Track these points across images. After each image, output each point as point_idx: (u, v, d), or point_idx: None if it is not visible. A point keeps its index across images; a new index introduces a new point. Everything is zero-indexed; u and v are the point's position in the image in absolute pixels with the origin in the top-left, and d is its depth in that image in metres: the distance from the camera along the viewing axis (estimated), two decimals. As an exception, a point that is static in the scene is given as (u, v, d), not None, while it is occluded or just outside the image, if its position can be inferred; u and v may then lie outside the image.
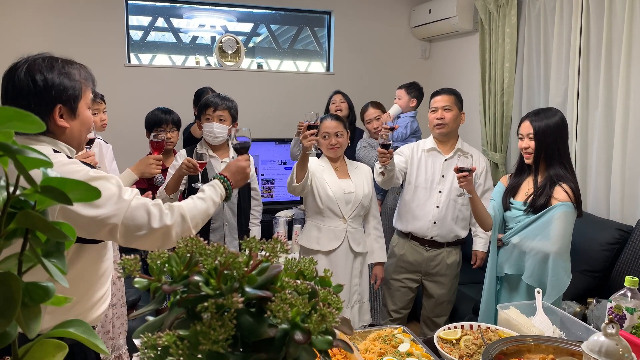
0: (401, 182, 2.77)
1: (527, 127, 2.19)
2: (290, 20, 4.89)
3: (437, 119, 2.65)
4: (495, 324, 2.16)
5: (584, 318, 2.39)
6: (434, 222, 2.69)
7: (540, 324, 1.68)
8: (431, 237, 2.72)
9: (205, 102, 2.63)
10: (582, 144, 3.29)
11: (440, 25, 4.42)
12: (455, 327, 1.68)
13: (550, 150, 2.15)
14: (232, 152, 2.70)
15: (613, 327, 0.91)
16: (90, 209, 1.25)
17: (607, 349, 0.86)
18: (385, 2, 4.83)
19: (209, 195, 1.58)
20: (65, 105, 1.34)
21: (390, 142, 2.36)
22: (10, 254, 0.50)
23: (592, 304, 2.46)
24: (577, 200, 2.10)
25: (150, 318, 0.61)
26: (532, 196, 2.17)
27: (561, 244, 2.07)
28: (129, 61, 4.34)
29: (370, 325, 2.59)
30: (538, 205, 2.12)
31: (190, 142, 3.16)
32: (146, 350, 0.50)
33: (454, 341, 1.59)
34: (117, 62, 4.19)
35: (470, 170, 2.20)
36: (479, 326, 1.66)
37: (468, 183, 2.21)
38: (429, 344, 1.60)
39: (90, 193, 0.48)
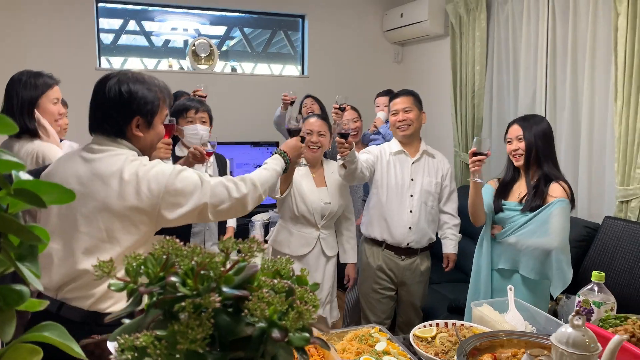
0: (367, 179, 2.70)
1: (515, 130, 2.26)
2: (264, 23, 4.89)
3: (399, 121, 2.67)
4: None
5: (555, 313, 2.46)
6: (410, 228, 2.66)
7: (513, 320, 1.72)
8: (407, 244, 2.69)
9: (184, 106, 2.60)
10: (550, 145, 3.38)
11: (412, 29, 4.48)
12: (430, 325, 1.70)
13: (541, 151, 2.22)
14: (212, 157, 2.65)
15: (579, 319, 0.94)
16: (189, 200, 1.47)
17: (574, 340, 0.90)
18: (358, 6, 4.88)
19: (272, 166, 1.80)
20: (143, 118, 1.52)
21: (349, 132, 2.29)
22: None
23: (562, 299, 2.54)
24: (572, 197, 2.20)
25: (127, 321, 0.61)
26: (526, 196, 2.23)
27: (562, 239, 2.13)
28: (99, 65, 4.27)
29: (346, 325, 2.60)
30: (535, 204, 2.18)
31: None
32: (123, 352, 0.50)
33: (430, 339, 1.62)
34: (87, 65, 4.12)
35: (486, 155, 2.21)
36: (453, 323, 1.69)
37: (480, 168, 2.23)
38: (405, 343, 1.62)
39: (66, 195, 0.48)
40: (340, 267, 2.77)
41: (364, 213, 2.87)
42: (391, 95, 2.80)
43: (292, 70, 5.00)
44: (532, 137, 2.21)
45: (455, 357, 1.24)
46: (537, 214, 2.17)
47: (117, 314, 0.59)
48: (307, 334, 0.55)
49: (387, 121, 3.55)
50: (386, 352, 1.54)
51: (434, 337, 1.63)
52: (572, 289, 2.65)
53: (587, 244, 2.85)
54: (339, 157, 2.44)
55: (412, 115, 2.66)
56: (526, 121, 2.27)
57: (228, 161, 2.90)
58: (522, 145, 2.23)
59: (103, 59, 4.35)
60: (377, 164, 2.71)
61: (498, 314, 1.74)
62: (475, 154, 2.19)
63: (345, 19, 4.85)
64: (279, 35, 4.94)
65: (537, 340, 1.24)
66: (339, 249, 2.72)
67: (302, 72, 4.93)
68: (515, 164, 2.29)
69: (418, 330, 1.67)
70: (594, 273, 1.56)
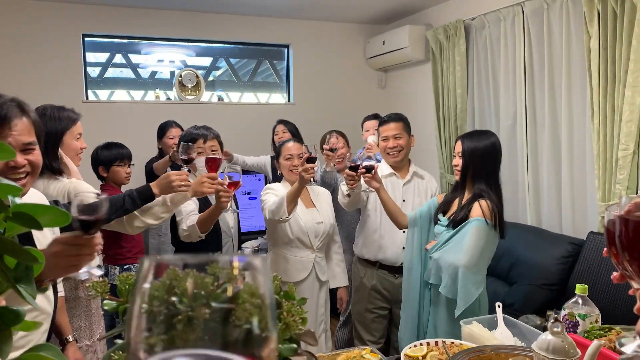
0: (365, 203, 2.77)
1: (458, 146, 2.30)
2: (249, 53, 4.98)
3: (390, 147, 2.72)
4: (423, 336, 2.27)
5: (545, 330, 2.48)
6: (403, 248, 2.68)
7: (502, 336, 1.74)
8: (401, 263, 2.70)
9: (191, 137, 2.48)
10: (533, 164, 3.45)
11: (394, 56, 4.59)
12: (421, 344, 1.71)
13: (476, 170, 2.24)
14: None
15: (558, 326, 0.97)
16: None
17: (554, 346, 0.92)
18: (341, 35, 5.00)
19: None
20: None
21: (374, 163, 2.36)
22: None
23: (551, 315, 2.56)
24: (493, 217, 2.16)
25: (119, 341, 0.63)
26: (455, 212, 2.26)
27: (470, 257, 2.12)
28: (87, 97, 4.30)
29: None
30: (457, 220, 2.21)
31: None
32: (117, 368, 0.51)
33: (420, 358, 1.63)
34: (74, 98, 4.14)
35: (374, 168, 2.34)
36: (443, 342, 1.71)
37: (374, 180, 2.35)
38: (397, 363, 1.63)
39: (62, 218, 0.50)
40: (331, 294, 2.78)
41: (357, 235, 2.90)
42: (380, 120, 2.84)
43: (278, 98, 5.08)
44: (469, 155, 2.24)
45: (445, 373, 1.25)
46: (457, 232, 2.20)
47: (110, 334, 0.60)
48: (294, 345, 0.57)
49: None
50: (378, 373, 1.54)
51: (424, 356, 1.64)
52: (561, 305, 2.68)
53: (573, 259, 2.90)
54: (346, 188, 2.48)
55: (402, 141, 2.71)
56: (470, 138, 2.29)
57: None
58: (461, 162, 2.27)
59: (90, 91, 4.39)
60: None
61: (487, 330, 1.76)
62: (365, 167, 2.33)
63: (328, 48, 4.96)
64: (265, 65, 5.03)
65: (524, 354, 1.26)
66: (329, 274, 2.73)
67: (288, 100, 5.01)
68: (455, 177, 2.35)
69: (409, 349, 1.68)
70: (578, 286, 1.59)
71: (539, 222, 3.41)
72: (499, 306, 1.89)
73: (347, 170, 2.39)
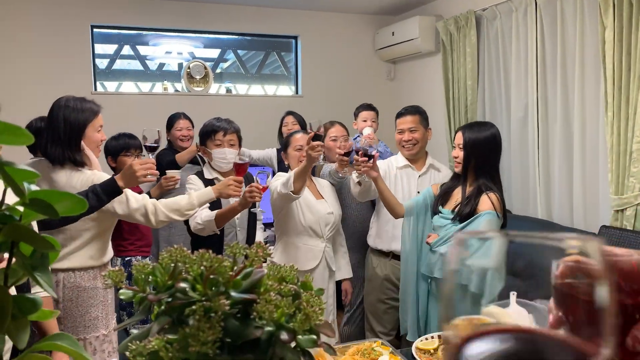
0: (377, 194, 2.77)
1: (458, 138, 2.28)
2: (258, 45, 4.96)
3: (405, 140, 2.70)
4: (426, 327, 2.29)
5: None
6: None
7: (516, 314, 1.73)
8: None
9: (212, 128, 2.53)
10: (544, 156, 3.42)
11: (404, 47, 4.55)
12: (432, 337, 1.71)
13: (479, 162, 2.22)
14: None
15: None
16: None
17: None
18: (350, 26, 4.96)
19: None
20: None
21: (374, 151, 2.32)
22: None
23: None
24: (502, 209, 2.18)
25: (135, 331, 0.62)
26: (459, 205, 2.24)
27: None
28: (95, 89, 4.30)
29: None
30: (464, 213, 2.19)
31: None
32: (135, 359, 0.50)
33: (432, 351, 1.62)
34: (83, 90, 4.12)
35: (374, 156, 2.29)
36: (455, 335, 1.70)
37: (372, 170, 2.30)
38: (407, 355, 1.62)
39: (78, 205, 0.49)
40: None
41: (370, 225, 2.90)
42: (398, 112, 2.78)
43: (285, 90, 5.06)
44: (470, 146, 2.22)
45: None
46: (466, 226, 2.18)
47: (125, 324, 0.59)
48: (314, 337, 0.56)
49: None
50: (389, 365, 1.53)
51: (436, 349, 1.63)
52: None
53: (584, 253, 2.86)
54: (356, 175, 2.45)
55: (417, 134, 2.69)
56: (470, 129, 2.28)
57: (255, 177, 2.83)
58: (462, 154, 2.25)
59: (98, 83, 4.39)
60: (385, 179, 2.75)
61: (500, 308, 1.75)
62: (364, 154, 2.29)
63: (337, 39, 4.93)
64: (273, 57, 5.01)
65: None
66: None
67: (296, 92, 4.99)
68: (455, 170, 2.33)
69: (420, 342, 1.67)
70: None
71: (550, 216, 3.38)
72: (513, 294, 1.87)
73: (356, 156, 2.34)
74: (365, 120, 3.50)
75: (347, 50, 4.97)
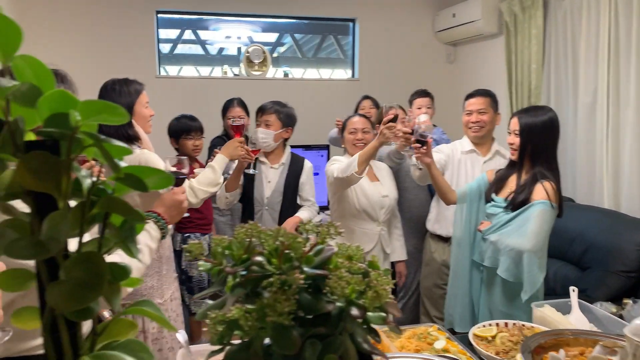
0: None
1: (514, 124, 2.19)
2: (314, 29, 4.96)
3: (472, 122, 2.65)
4: (475, 317, 2.24)
5: (622, 318, 2.36)
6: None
7: (577, 322, 1.68)
8: None
9: (259, 107, 2.76)
10: (614, 144, 3.24)
11: (465, 29, 4.42)
12: (490, 324, 1.69)
13: (536, 148, 2.13)
14: (285, 158, 2.75)
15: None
16: None
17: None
18: (409, 8, 4.87)
19: (144, 243, 1.41)
20: None
21: (429, 137, 2.31)
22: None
23: (629, 304, 2.43)
24: (557, 199, 2.09)
25: (209, 301, 0.66)
26: (513, 193, 2.16)
27: (536, 242, 2.04)
28: (159, 73, 4.47)
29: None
30: (517, 202, 2.11)
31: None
32: (215, 325, 0.54)
33: (490, 338, 1.60)
34: (148, 74, 4.31)
35: (427, 142, 2.25)
36: (514, 323, 1.67)
37: (426, 155, 2.27)
38: (463, 341, 1.61)
39: (166, 180, 0.52)
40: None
41: (430, 210, 2.88)
42: (467, 94, 2.73)
43: (341, 74, 5.05)
44: (527, 132, 2.12)
45: (519, 355, 1.23)
46: (519, 214, 2.10)
47: (204, 293, 0.63)
48: (383, 314, 0.57)
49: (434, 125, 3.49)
50: (445, 350, 1.53)
51: (494, 337, 1.61)
52: (638, 293, 2.54)
53: (656, 246, 2.72)
54: (414, 158, 2.44)
55: (486, 117, 2.64)
56: (527, 114, 2.18)
57: (307, 165, 2.87)
58: (518, 140, 2.16)
59: (161, 67, 4.55)
60: (449, 163, 2.72)
61: (561, 314, 1.70)
62: (418, 141, 2.26)
63: (396, 21, 4.85)
64: (329, 40, 5.00)
65: (610, 339, 1.20)
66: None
67: (352, 75, 4.97)
68: (511, 157, 2.24)
69: (477, 329, 1.65)
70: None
71: (618, 206, 3.22)
72: (573, 290, 1.81)
73: (414, 144, 2.32)
74: (419, 108, 3.45)
75: (405, 33, 4.88)
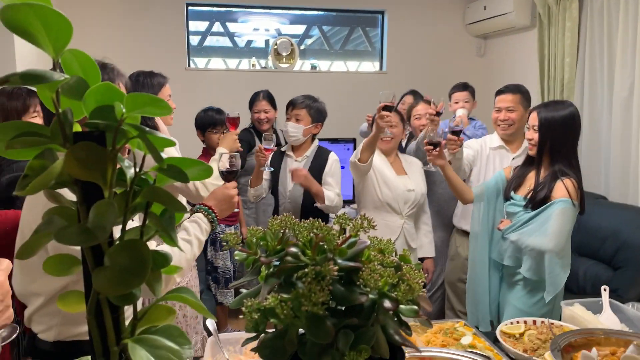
0: (468, 175, 2.73)
1: (533, 119, 2.13)
2: (342, 21, 4.94)
3: (501, 120, 2.61)
4: (497, 315, 2.22)
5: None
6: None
7: (608, 322, 1.65)
8: None
9: (289, 101, 2.74)
10: (649, 140, 3.15)
11: (496, 22, 4.34)
12: (517, 322, 1.67)
13: (555, 144, 2.07)
14: (309, 151, 2.74)
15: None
16: None
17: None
18: (439, 0, 4.80)
19: (194, 234, 1.44)
20: None
21: (461, 129, 2.32)
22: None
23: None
24: (578, 197, 2.03)
25: (244, 290, 0.68)
26: (532, 191, 2.11)
27: (557, 241, 1.99)
28: (189, 65, 4.52)
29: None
30: (537, 200, 2.06)
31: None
32: (251, 313, 0.55)
33: (517, 335, 1.59)
34: (178, 66, 4.38)
35: (440, 144, 2.24)
36: (542, 321, 1.65)
37: (438, 158, 2.26)
38: (490, 338, 1.60)
39: (206, 171, 0.54)
40: None
41: (457, 205, 2.87)
42: (498, 89, 2.69)
43: (368, 66, 5.02)
44: (546, 127, 2.06)
45: (548, 352, 1.21)
46: (539, 213, 2.05)
47: (239, 282, 0.65)
48: (416, 307, 0.58)
49: (470, 118, 3.45)
50: (472, 346, 1.53)
51: (522, 334, 1.60)
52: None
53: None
54: (447, 153, 2.43)
55: (515, 115, 2.59)
56: (546, 108, 2.11)
57: (331, 158, 2.79)
58: (537, 136, 2.09)
59: (190, 59, 4.61)
60: (477, 159, 2.70)
61: (591, 314, 1.67)
62: (430, 143, 2.26)
63: (425, 13, 4.79)
64: (357, 32, 4.97)
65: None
66: (416, 244, 2.72)
67: (380, 68, 4.93)
68: (530, 153, 2.18)
69: (505, 326, 1.64)
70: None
71: (652, 204, 3.13)
72: (605, 290, 1.78)
73: (449, 135, 2.35)
74: (457, 102, 3.41)
75: (434, 25, 4.82)
